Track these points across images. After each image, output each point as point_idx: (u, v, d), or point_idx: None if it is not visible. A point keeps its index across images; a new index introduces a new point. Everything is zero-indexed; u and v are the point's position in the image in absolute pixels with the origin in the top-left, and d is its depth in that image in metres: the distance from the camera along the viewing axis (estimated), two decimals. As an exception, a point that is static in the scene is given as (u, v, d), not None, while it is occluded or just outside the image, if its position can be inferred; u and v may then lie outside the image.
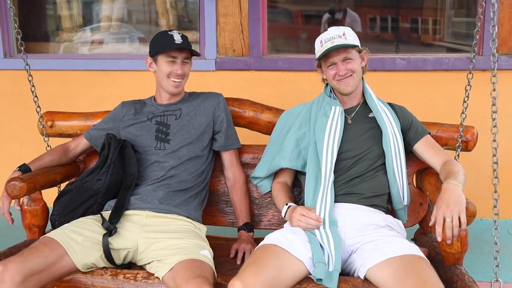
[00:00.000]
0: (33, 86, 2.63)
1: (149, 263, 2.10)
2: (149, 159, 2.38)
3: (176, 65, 2.39)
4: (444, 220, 1.88)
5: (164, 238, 2.13)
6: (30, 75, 2.61)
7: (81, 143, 2.57)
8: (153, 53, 2.42)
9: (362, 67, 2.31)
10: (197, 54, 2.46)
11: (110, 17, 4.48)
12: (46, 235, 2.11)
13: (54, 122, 2.71)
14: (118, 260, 2.14)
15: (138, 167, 2.34)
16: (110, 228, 2.12)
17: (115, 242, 2.12)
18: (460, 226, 1.88)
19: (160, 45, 2.38)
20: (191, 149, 2.40)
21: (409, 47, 4.88)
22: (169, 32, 2.40)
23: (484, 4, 2.21)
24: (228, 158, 2.53)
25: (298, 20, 4.70)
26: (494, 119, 1.97)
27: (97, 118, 2.70)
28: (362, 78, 2.36)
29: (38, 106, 2.67)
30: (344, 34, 2.24)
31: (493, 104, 1.96)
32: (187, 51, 2.40)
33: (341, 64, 2.24)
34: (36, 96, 2.65)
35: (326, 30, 2.31)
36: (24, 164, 2.37)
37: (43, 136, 2.71)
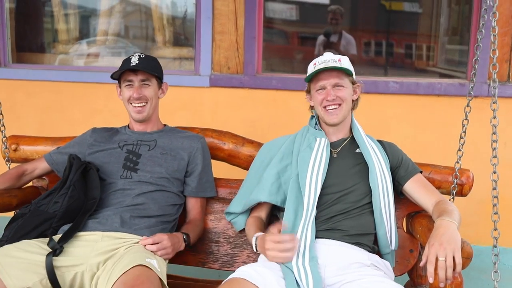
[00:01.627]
0: (-1, 102, 2.46)
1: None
2: (114, 185, 2.18)
3: (132, 89, 2.26)
4: (437, 259, 1.66)
5: (113, 258, 1.91)
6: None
7: (40, 167, 2.38)
8: (116, 79, 2.33)
9: (353, 100, 2.17)
10: (158, 76, 2.33)
11: (107, 32, 4.53)
12: None
13: (18, 145, 2.54)
14: (63, 284, 1.89)
15: (100, 192, 2.13)
16: (56, 247, 1.89)
17: (61, 260, 1.89)
18: (454, 268, 1.66)
19: (117, 70, 2.29)
20: (160, 182, 2.21)
21: (402, 72, 4.96)
22: (130, 56, 2.29)
23: (483, 31, 2.09)
24: (192, 203, 2.33)
25: (294, 41, 4.74)
26: (494, 149, 1.81)
27: (65, 143, 2.50)
28: (351, 113, 2.20)
29: (3, 125, 2.48)
30: (339, 60, 2.11)
31: (494, 133, 1.81)
32: (144, 73, 2.26)
33: (331, 90, 2.10)
34: (1, 114, 2.46)
35: (321, 52, 2.20)
36: None
37: (4, 159, 2.51)
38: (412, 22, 5.05)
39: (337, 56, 2.14)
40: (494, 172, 1.82)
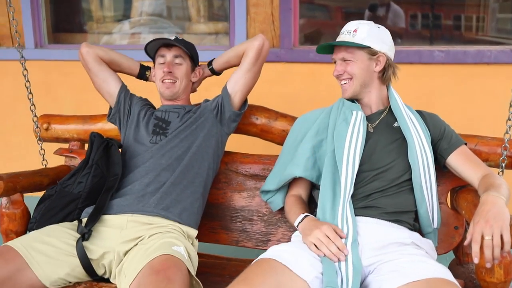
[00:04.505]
0: (27, 81, 2.42)
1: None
2: (142, 155, 2.12)
3: (165, 64, 2.24)
4: (483, 238, 1.53)
5: (138, 245, 1.85)
6: (25, 69, 2.41)
7: (112, 79, 2.35)
8: (152, 58, 2.33)
9: (376, 71, 2.01)
10: (192, 57, 2.31)
11: (148, 12, 4.48)
12: (7, 243, 1.83)
13: (50, 125, 2.52)
14: (98, 270, 1.86)
15: (124, 168, 2.08)
16: (84, 231, 1.84)
17: (90, 248, 1.85)
18: (502, 247, 1.53)
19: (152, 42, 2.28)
20: (184, 144, 2.15)
21: (450, 43, 4.68)
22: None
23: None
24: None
25: (338, 16, 4.57)
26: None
27: (96, 121, 2.50)
28: (389, 84, 2.07)
29: (33, 104, 2.46)
30: (355, 31, 1.99)
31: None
32: (178, 48, 2.24)
33: (339, 64, 2.02)
34: (31, 93, 2.44)
35: None
36: None
37: (36, 138, 2.50)
38: None
39: (355, 26, 2.02)
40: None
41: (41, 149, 2.49)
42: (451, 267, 2.19)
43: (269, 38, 3.38)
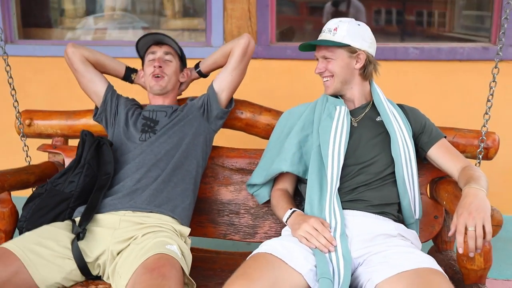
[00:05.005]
0: (10, 77, 2.40)
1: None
2: (130, 153, 2.14)
3: (155, 61, 2.28)
4: (466, 229, 1.61)
5: (131, 245, 1.88)
6: (8, 65, 2.38)
7: (98, 80, 2.35)
8: (140, 56, 2.39)
9: (356, 69, 2.07)
10: (181, 56, 2.36)
11: (114, 7, 4.44)
12: (2, 245, 1.82)
13: (32, 120, 2.49)
14: (93, 270, 1.88)
15: (115, 166, 2.09)
16: (78, 231, 1.86)
17: (85, 249, 1.87)
18: (484, 236, 1.61)
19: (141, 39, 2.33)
20: (172, 141, 2.18)
21: (416, 39, 4.78)
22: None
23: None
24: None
25: (303, 11, 4.61)
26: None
27: (80, 116, 2.49)
28: (371, 79, 2.14)
29: (16, 101, 2.43)
30: (335, 29, 2.05)
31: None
32: (169, 46, 2.30)
33: (320, 61, 2.09)
34: (14, 89, 2.41)
35: (329, 20, 2.13)
36: None
37: (19, 135, 2.48)
38: None
39: (334, 25, 2.07)
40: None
41: (25, 145, 2.47)
42: (430, 254, 2.29)
43: None
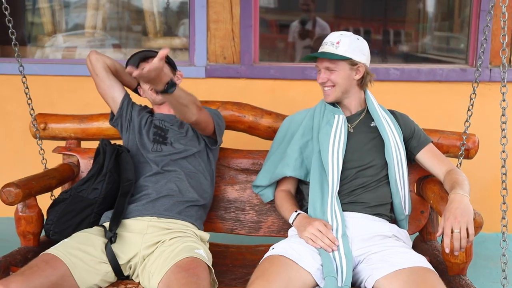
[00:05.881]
0: (27, 88, 2.55)
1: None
2: (146, 163, 2.31)
3: None
4: (452, 231, 1.86)
5: (160, 248, 2.07)
6: (24, 77, 2.53)
7: (117, 87, 2.45)
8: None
9: (355, 79, 2.26)
10: (170, 63, 2.43)
11: (83, 24, 4.41)
12: (47, 251, 1.98)
13: (47, 124, 2.63)
14: (125, 271, 2.08)
15: (136, 173, 2.26)
16: (110, 235, 2.05)
17: (118, 253, 2.06)
18: (468, 237, 1.86)
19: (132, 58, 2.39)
20: (192, 153, 2.34)
21: (389, 59, 4.88)
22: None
23: (491, 12, 2.19)
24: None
25: (274, 29, 4.69)
26: (503, 130, 1.97)
27: (92, 121, 2.64)
28: (365, 88, 2.34)
29: (32, 109, 2.59)
30: (338, 43, 2.20)
31: (503, 115, 1.96)
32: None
33: (323, 72, 2.24)
34: (30, 98, 2.57)
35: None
36: None
37: (36, 139, 2.63)
38: (397, 8, 4.98)
39: (337, 39, 2.21)
40: (503, 151, 2.00)
41: (41, 149, 2.61)
42: (415, 243, 2.56)
43: (229, 54, 3.45)
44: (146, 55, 2.38)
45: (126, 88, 2.51)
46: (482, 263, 3.00)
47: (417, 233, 2.54)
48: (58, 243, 2.04)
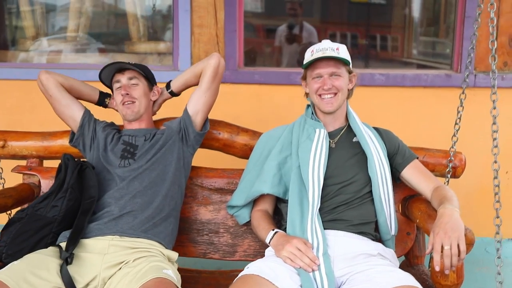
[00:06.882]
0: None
1: None
2: (112, 180, 2.15)
3: (121, 88, 2.29)
4: (442, 247, 1.71)
5: (123, 269, 1.89)
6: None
7: (75, 106, 2.34)
8: (107, 86, 2.38)
9: (348, 89, 2.18)
10: (147, 77, 2.36)
11: (69, 28, 4.38)
12: None
13: (6, 142, 2.46)
14: None
15: (99, 190, 2.09)
16: (66, 256, 1.85)
17: (75, 277, 1.85)
18: (459, 255, 1.72)
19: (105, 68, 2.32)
20: (157, 167, 2.19)
21: (376, 64, 4.91)
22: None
23: (479, 20, 2.11)
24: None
25: (261, 33, 4.68)
26: (495, 139, 1.86)
27: (56, 138, 2.48)
28: (346, 101, 2.22)
29: (-6, 123, 2.41)
30: (337, 49, 2.11)
31: (494, 123, 1.85)
32: (131, 71, 2.30)
33: (327, 78, 2.10)
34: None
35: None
36: None
37: (-7, 156, 2.45)
38: (382, 14, 5.05)
39: (336, 45, 2.14)
40: (495, 162, 1.88)
41: (-1, 168, 2.44)
42: (402, 268, 2.38)
43: None
44: (121, 67, 2.29)
45: (87, 103, 2.39)
46: (467, 267, 2.87)
47: (403, 258, 2.38)
48: (6, 267, 1.83)
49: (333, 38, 4.78)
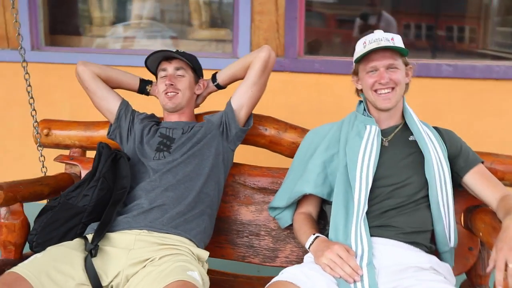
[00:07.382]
0: (29, 86, 2.35)
1: None
2: (145, 172, 2.05)
3: (166, 78, 2.19)
4: (506, 265, 1.48)
5: (147, 267, 1.76)
6: (27, 73, 2.33)
7: (111, 97, 2.28)
8: (152, 72, 2.31)
9: (406, 83, 1.98)
10: (194, 68, 2.25)
11: (142, 16, 4.42)
12: (13, 269, 1.65)
13: (50, 130, 2.42)
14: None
15: (132, 182, 1.99)
16: (90, 248, 1.75)
17: (99, 271, 1.75)
18: None
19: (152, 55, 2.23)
20: (193, 161, 2.07)
21: (446, 55, 4.62)
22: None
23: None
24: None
25: (331, 24, 4.55)
26: None
27: (98, 128, 2.41)
28: (403, 97, 2.01)
29: (34, 109, 2.38)
30: (392, 39, 1.93)
31: None
32: (179, 60, 2.20)
33: (384, 71, 1.91)
34: (32, 98, 2.36)
35: (360, 34, 2.01)
36: None
37: (36, 144, 2.41)
38: (456, 2, 4.78)
39: (390, 35, 1.94)
40: None
41: (41, 155, 2.40)
42: (462, 288, 2.16)
43: (273, 47, 3.28)
44: (169, 55, 2.21)
45: (128, 91, 2.32)
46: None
47: (464, 276, 2.13)
48: (28, 259, 1.73)
49: (407, 29, 4.58)
